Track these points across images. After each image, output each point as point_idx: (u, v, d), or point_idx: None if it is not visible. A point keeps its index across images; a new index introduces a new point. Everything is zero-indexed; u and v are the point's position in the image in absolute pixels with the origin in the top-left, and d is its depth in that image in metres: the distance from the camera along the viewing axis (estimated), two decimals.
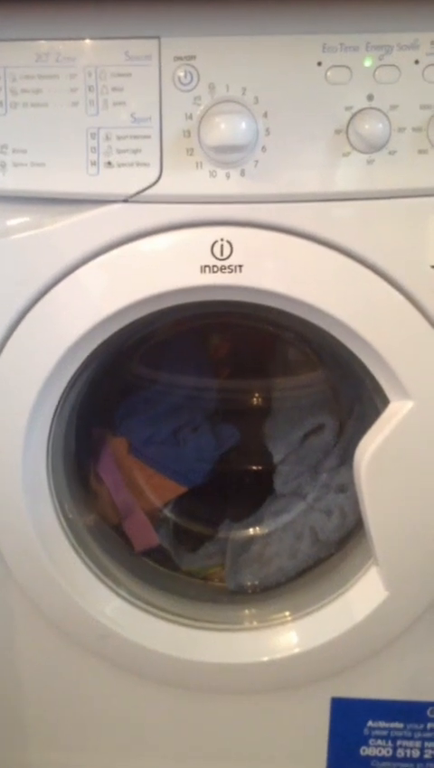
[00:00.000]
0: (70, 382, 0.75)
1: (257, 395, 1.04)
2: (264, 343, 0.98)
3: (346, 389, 0.93)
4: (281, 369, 1.01)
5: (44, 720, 0.89)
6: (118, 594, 0.81)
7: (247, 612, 0.86)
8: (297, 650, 0.79)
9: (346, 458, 0.89)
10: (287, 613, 0.83)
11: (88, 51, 0.65)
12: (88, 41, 0.65)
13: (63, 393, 0.75)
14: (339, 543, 0.90)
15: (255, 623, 0.84)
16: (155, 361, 0.97)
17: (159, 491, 0.97)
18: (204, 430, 0.99)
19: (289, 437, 0.96)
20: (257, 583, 0.92)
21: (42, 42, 0.65)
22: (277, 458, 0.96)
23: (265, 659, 0.80)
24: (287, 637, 0.80)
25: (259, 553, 0.95)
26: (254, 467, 1.03)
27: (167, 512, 0.99)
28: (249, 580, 0.93)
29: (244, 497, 1.01)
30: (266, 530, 0.97)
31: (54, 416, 0.76)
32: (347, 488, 0.90)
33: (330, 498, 0.92)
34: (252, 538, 0.97)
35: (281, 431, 0.98)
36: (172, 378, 1.00)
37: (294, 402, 0.99)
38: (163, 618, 0.82)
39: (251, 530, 0.98)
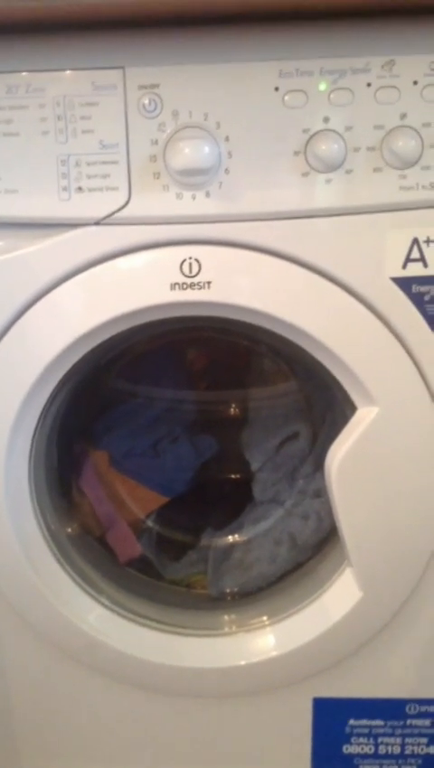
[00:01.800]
0: (49, 399, 0.78)
1: (233, 406, 1.07)
2: (239, 356, 1.01)
3: (318, 398, 0.95)
4: (256, 380, 1.04)
5: (33, 730, 0.91)
6: (101, 603, 0.83)
7: (226, 617, 0.89)
8: (274, 653, 0.82)
9: (321, 464, 0.91)
10: (265, 618, 0.85)
11: (56, 82, 0.68)
12: (56, 72, 0.68)
13: (43, 409, 0.78)
14: (316, 547, 0.92)
15: (234, 628, 0.86)
16: (134, 376, 1.00)
17: (141, 502, 0.99)
18: (183, 441, 1.02)
19: (266, 446, 0.99)
20: (237, 590, 0.94)
21: (12, 74, 0.68)
22: (254, 466, 0.99)
23: (243, 662, 0.82)
24: (264, 640, 0.83)
25: (241, 559, 0.97)
26: (233, 476, 1.05)
27: (150, 522, 1.02)
28: (230, 586, 0.95)
29: (225, 505, 1.03)
30: (246, 537, 1.00)
31: (35, 431, 0.78)
32: (323, 493, 0.92)
33: (307, 503, 0.95)
34: (233, 546, 1.00)
35: (258, 440, 1.01)
36: (150, 391, 1.02)
37: (269, 412, 1.02)
38: (145, 625, 0.84)
39: (232, 538, 1.01)
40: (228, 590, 0.95)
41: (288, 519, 0.96)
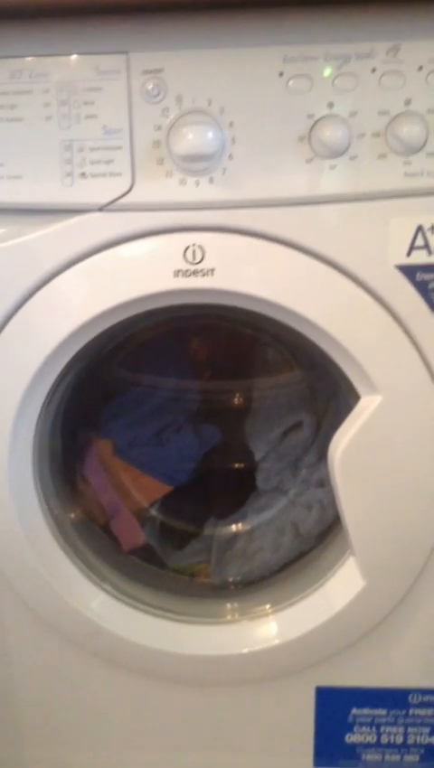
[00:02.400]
0: (53, 386, 0.78)
1: (237, 395, 1.07)
2: (242, 346, 1.01)
3: (322, 388, 0.95)
4: (259, 369, 1.04)
5: (35, 716, 0.91)
6: (104, 590, 0.84)
7: (229, 605, 0.89)
8: (277, 642, 0.82)
9: (324, 454, 0.91)
10: (268, 606, 0.85)
11: (60, 68, 0.67)
12: (59, 57, 0.68)
13: (47, 397, 0.78)
14: (319, 536, 0.92)
15: (237, 616, 0.86)
16: (138, 365, 1.00)
17: (145, 491, 1.00)
18: (187, 430, 1.02)
19: (269, 435, 0.99)
20: (239, 578, 0.94)
21: (16, 59, 0.68)
22: (258, 456, 0.99)
23: (246, 650, 0.82)
24: (267, 628, 0.83)
25: (244, 549, 0.97)
26: (237, 465, 1.05)
27: (153, 511, 1.02)
28: (233, 575, 0.95)
29: (228, 495, 1.04)
30: (249, 526, 1.00)
31: (39, 418, 0.78)
32: (326, 482, 0.92)
33: (310, 493, 0.95)
34: (237, 535, 1.00)
35: (261, 429, 1.00)
36: (154, 380, 1.02)
37: (273, 401, 1.02)
38: (148, 612, 0.84)
39: (235, 527, 1.01)
40: (231, 579, 0.95)
41: (292, 509, 0.96)
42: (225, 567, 0.96)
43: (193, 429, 1.02)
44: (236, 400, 1.07)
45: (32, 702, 0.90)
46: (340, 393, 0.84)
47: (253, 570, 0.94)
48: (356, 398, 0.75)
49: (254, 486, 1.00)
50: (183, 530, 1.02)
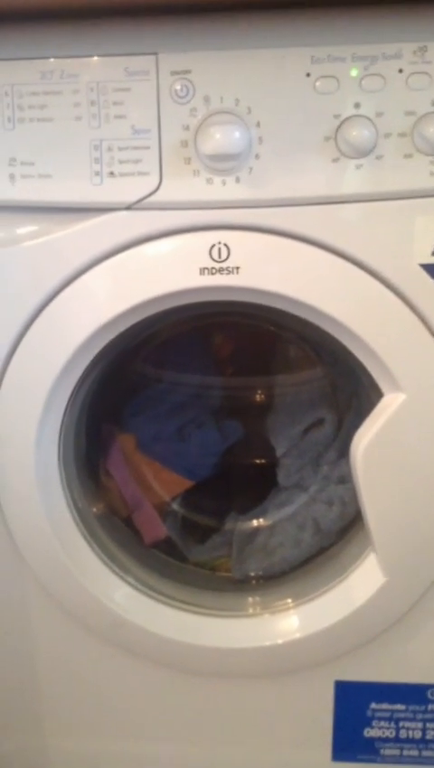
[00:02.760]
0: (79, 381, 0.79)
1: (259, 392, 1.08)
2: (265, 342, 1.01)
3: (344, 385, 0.96)
4: (282, 366, 1.05)
5: (59, 707, 0.93)
6: (127, 582, 0.85)
7: (250, 599, 0.90)
8: (298, 635, 0.83)
9: (346, 451, 0.92)
10: (290, 600, 0.86)
11: (90, 68, 0.69)
12: (89, 58, 0.69)
13: (73, 391, 0.79)
14: (340, 532, 0.93)
15: (258, 610, 0.87)
16: (161, 361, 1.01)
17: (167, 485, 1.01)
18: (209, 426, 1.03)
19: (291, 432, 1.00)
20: (261, 573, 0.95)
21: (47, 60, 0.69)
22: (279, 452, 1.00)
23: (267, 643, 0.83)
24: (288, 622, 0.84)
25: (264, 543, 0.98)
26: (258, 461, 1.06)
27: (175, 506, 1.03)
28: (254, 570, 0.96)
29: (249, 490, 1.04)
30: (270, 522, 1.01)
31: (65, 413, 0.80)
32: (347, 479, 0.93)
33: (331, 489, 0.95)
34: (257, 530, 1.01)
35: (283, 426, 1.01)
36: (177, 376, 1.03)
37: (295, 398, 1.03)
38: (170, 605, 0.86)
39: (256, 522, 1.02)
40: (252, 573, 0.96)
41: (312, 505, 0.97)
42: (246, 562, 0.97)
43: (215, 425, 1.03)
44: (258, 396, 1.08)
45: (54, 692, 0.92)
46: (362, 391, 0.84)
47: (274, 565, 0.95)
48: (379, 395, 0.76)
49: (275, 482, 1.01)
50: (204, 525, 1.03)
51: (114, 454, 0.97)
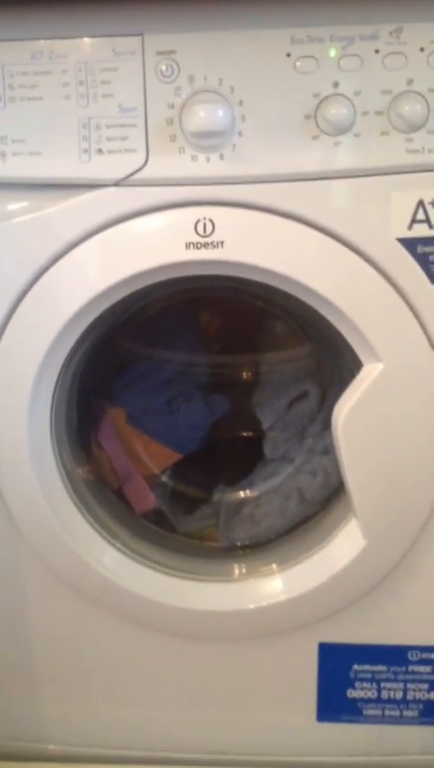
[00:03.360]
0: (69, 354, 0.81)
1: (245, 366, 1.11)
2: (251, 319, 1.04)
3: (327, 360, 0.99)
4: (267, 342, 1.07)
5: (51, 672, 0.95)
6: (116, 547, 0.88)
7: (236, 565, 0.93)
8: (282, 598, 0.85)
9: (329, 423, 0.95)
10: (274, 565, 0.89)
11: (78, 49, 0.71)
12: (78, 39, 0.71)
13: (64, 364, 0.81)
14: (323, 501, 0.96)
15: (244, 574, 0.90)
16: (150, 337, 1.04)
17: (156, 458, 1.04)
18: (197, 400, 1.06)
19: (276, 405, 1.03)
20: (248, 542, 0.99)
21: (37, 41, 0.71)
22: (265, 425, 1.03)
23: (252, 606, 0.86)
24: (273, 585, 0.87)
25: (251, 514, 1.01)
26: (245, 434, 1.09)
27: (165, 478, 1.06)
28: (241, 539, 0.99)
29: (237, 463, 1.07)
30: (257, 493, 1.04)
31: (56, 385, 0.82)
32: (331, 450, 0.96)
33: (315, 460, 0.98)
34: (244, 501, 1.04)
35: (269, 399, 1.04)
36: (165, 352, 1.06)
37: (280, 373, 1.06)
38: (158, 570, 0.88)
39: (243, 493, 1.05)
40: (239, 543, 0.99)
41: (297, 476, 1.00)
42: (233, 531, 1.00)
43: (202, 399, 1.06)
44: (244, 371, 1.11)
45: (44, 657, 0.94)
46: (344, 365, 0.87)
47: (260, 534, 0.98)
48: (360, 368, 0.79)
49: (261, 454, 1.04)
50: (192, 496, 1.06)
51: (105, 428, 0.99)
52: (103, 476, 0.97)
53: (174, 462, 1.04)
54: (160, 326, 1.02)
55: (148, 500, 0.99)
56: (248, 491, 1.05)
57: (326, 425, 0.98)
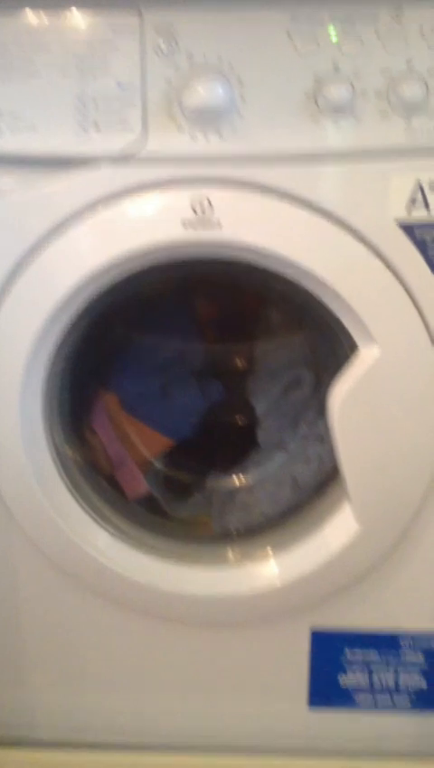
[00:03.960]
0: (62, 336, 0.81)
1: (240, 353, 1.10)
2: (246, 305, 1.04)
3: (323, 346, 0.98)
4: (263, 328, 1.07)
5: (44, 658, 0.95)
6: (109, 531, 0.87)
7: (230, 549, 0.92)
8: (276, 582, 0.85)
9: (324, 410, 0.95)
10: (268, 548, 0.89)
11: (76, 24, 0.71)
12: (76, 14, 0.71)
13: (57, 345, 0.81)
14: (317, 486, 0.96)
15: (238, 559, 0.90)
16: (144, 323, 1.03)
17: (149, 444, 1.03)
18: (191, 386, 1.05)
19: (271, 392, 1.02)
20: (241, 528, 0.98)
21: (34, 16, 0.71)
22: (259, 411, 1.03)
23: (247, 591, 0.86)
24: (267, 570, 0.86)
25: (244, 501, 1.01)
26: (239, 421, 1.09)
27: (157, 464, 1.05)
28: (234, 525, 0.99)
29: (230, 450, 1.07)
30: (250, 480, 1.03)
31: (49, 368, 0.82)
32: (325, 438, 0.95)
33: (309, 447, 0.98)
34: (237, 488, 1.04)
35: (263, 386, 1.04)
36: (160, 338, 1.05)
37: (275, 359, 1.05)
38: (151, 554, 0.88)
39: (237, 481, 1.05)
40: (233, 529, 0.99)
41: (291, 463, 1.00)
42: (226, 518, 1.00)
43: (196, 385, 1.05)
44: (239, 357, 1.10)
45: (37, 643, 0.94)
46: (341, 352, 0.86)
47: (253, 521, 0.98)
48: (354, 350, 0.78)
49: (255, 441, 1.04)
50: (185, 483, 1.06)
51: (98, 413, 0.99)
52: (96, 461, 0.97)
53: (167, 448, 1.04)
54: (155, 311, 1.01)
55: (141, 486, 0.99)
56: (241, 478, 1.04)
57: (320, 412, 0.98)
